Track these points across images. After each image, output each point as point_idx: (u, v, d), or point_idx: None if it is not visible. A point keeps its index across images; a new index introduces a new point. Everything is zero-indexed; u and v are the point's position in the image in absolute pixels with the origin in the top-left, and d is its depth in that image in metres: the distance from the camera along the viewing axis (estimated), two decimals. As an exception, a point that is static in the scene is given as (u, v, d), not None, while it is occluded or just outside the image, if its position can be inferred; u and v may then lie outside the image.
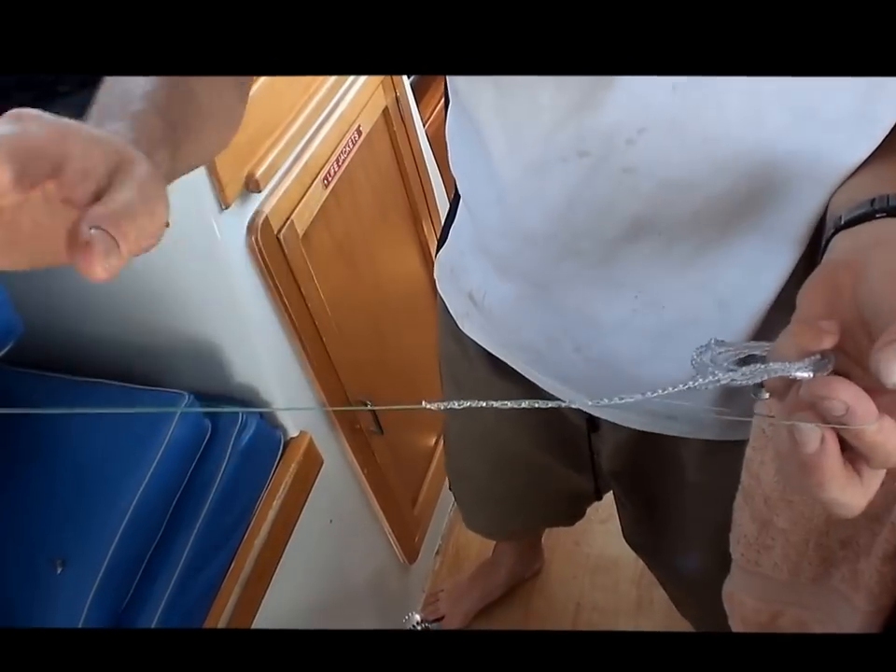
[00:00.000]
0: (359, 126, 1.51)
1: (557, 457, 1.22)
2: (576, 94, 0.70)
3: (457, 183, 0.95)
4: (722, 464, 0.89)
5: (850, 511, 0.46)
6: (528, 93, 0.73)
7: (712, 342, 0.50)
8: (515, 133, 0.77)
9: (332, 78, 1.43)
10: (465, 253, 1.02)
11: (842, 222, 0.57)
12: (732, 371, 0.48)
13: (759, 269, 0.79)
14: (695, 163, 0.70)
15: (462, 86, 0.81)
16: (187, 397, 1.25)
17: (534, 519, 1.46)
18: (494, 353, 1.05)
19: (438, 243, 1.12)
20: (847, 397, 0.43)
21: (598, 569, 2.19)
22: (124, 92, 0.60)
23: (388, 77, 1.60)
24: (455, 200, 1.04)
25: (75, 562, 1.08)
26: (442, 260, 1.10)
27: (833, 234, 0.58)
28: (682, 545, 1.17)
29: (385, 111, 1.62)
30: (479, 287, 0.99)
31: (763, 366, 0.47)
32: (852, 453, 0.45)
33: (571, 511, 1.46)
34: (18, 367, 1.32)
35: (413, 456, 1.98)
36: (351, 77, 1.49)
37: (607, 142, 0.71)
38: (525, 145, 0.77)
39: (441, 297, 1.11)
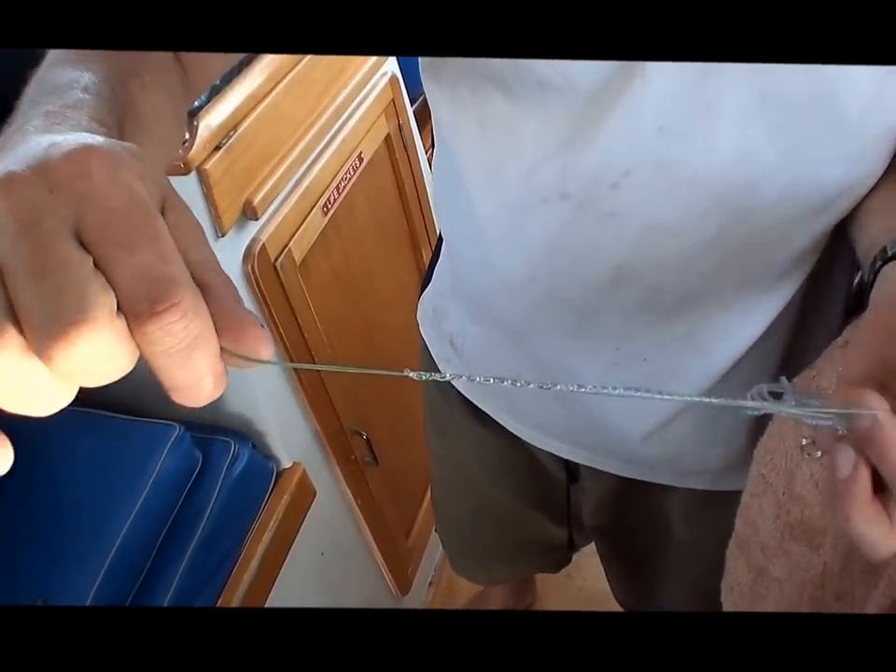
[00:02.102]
0: (361, 153, 1.49)
1: (537, 508, 1.20)
2: (561, 132, 0.68)
3: (439, 221, 0.93)
4: (711, 520, 0.87)
5: (876, 550, 0.47)
6: (511, 129, 0.71)
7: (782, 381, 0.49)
8: (495, 171, 0.75)
9: (335, 105, 1.41)
10: (445, 295, 1.00)
11: (889, 253, 0.56)
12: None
13: (743, 315, 0.77)
14: (681, 207, 0.68)
15: (445, 118, 0.79)
16: (178, 428, 1.23)
17: (518, 566, 1.45)
18: (474, 401, 1.03)
19: (422, 284, 1.10)
20: (876, 405, 0.44)
21: (591, 602, 2.17)
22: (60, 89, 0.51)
23: (391, 104, 1.58)
24: (439, 239, 1.02)
25: (57, 600, 1.06)
26: (425, 302, 1.08)
27: (882, 266, 0.56)
28: (669, 603, 1.15)
29: (388, 138, 1.61)
30: (458, 333, 0.98)
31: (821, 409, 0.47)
32: (886, 495, 0.46)
33: (555, 559, 1.45)
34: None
35: (407, 487, 1.96)
36: (354, 104, 1.48)
37: (590, 185, 0.69)
38: (505, 183, 0.75)
39: (423, 339, 1.08)
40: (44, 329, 0.32)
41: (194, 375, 0.36)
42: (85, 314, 0.32)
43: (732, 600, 0.86)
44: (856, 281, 0.74)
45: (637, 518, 1.07)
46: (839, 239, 0.73)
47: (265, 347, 0.38)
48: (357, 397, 1.59)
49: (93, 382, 0.34)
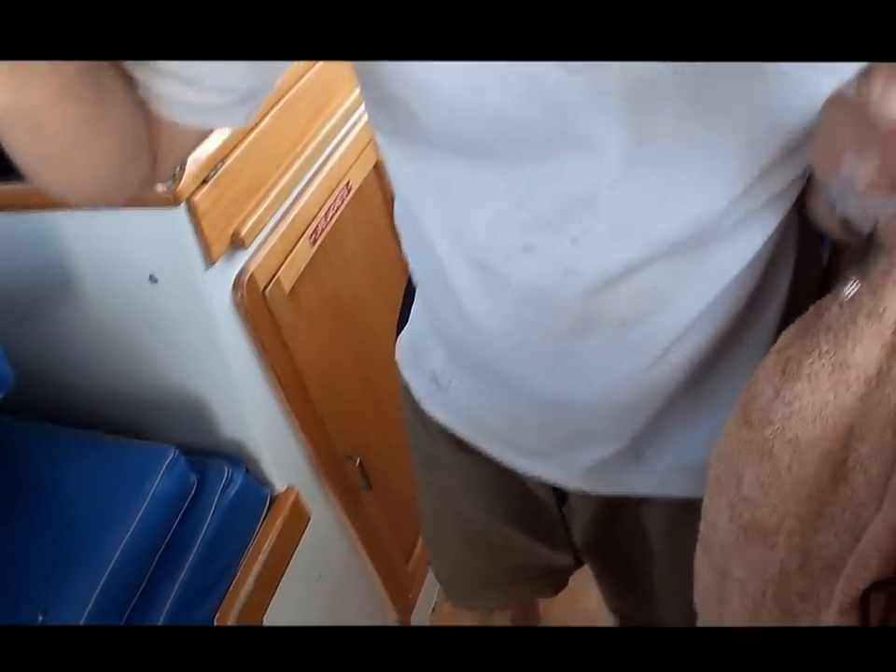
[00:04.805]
0: (349, 182, 1.52)
1: (528, 533, 1.19)
2: (520, 193, 0.71)
3: (411, 269, 0.94)
4: (691, 532, 0.89)
5: None
6: (470, 191, 0.74)
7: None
8: (457, 229, 0.78)
9: (321, 135, 1.44)
10: (424, 335, 1.02)
11: None
12: None
13: (706, 324, 0.80)
14: (638, 259, 0.71)
15: (403, 180, 0.82)
16: (173, 451, 1.26)
17: (513, 592, 1.44)
18: (457, 433, 1.03)
19: (398, 325, 1.11)
20: None
21: (596, 624, 2.16)
22: None
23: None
24: (409, 281, 1.04)
25: (56, 612, 1.08)
26: (404, 343, 1.09)
27: None
28: (665, 618, 1.15)
29: (377, 166, 1.63)
30: (442, 370, 0.99)
31: None
32: None
33: (551, 583, 1.44)
34: (8, 415, 1.33)
35: (404, 512, 1.97)
36: (340, 134, 1.51)
37: (550, 240, 0.72)
38: (468, 241, 0.77)
39: (403, 377, 1.09)
40: None
41: None
42: None
43: (702, 606, 0.88)
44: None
45: (622, 533, 1.08)
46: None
47: None
48: (350, 422, 1.62)
49: None
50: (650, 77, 0.61)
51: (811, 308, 0.70)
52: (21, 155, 0.64)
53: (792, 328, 0.69)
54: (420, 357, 1.03)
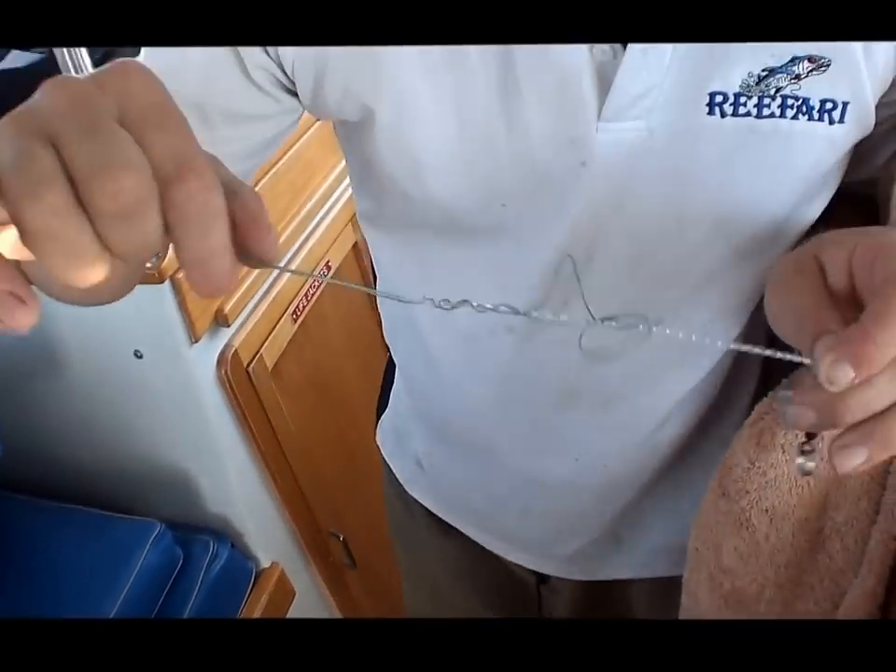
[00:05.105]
0: (329, 262, 1.54)
1: (508, 614, 1.17)
2: (501, 270, 0.72)
3: (391, 349, 0.95)
4: (672, 607, 0.90)
5: None
6: (452, 269, 0.75)
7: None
8: (434, 315, 0.77)
9: (302, 214, 1.47)
10: (406, 418, 1.02)
11: None
12: None
13: (689, 405, 0.81)
14: (622, 339, 0.73)
15: (386, 259, 0.84)
16: (158, 526, 1.26)
17: None
18: (439, 514, 1.03)
19: (377, 407, 1.12)
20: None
21: None
22: None
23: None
24: (389, 363, 1.04)
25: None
26: (385, 425, 1.09)
27: None
28: None
29: (356, 246, 1.66)
30: (424, 451, 0.99)
31: None
32: None
33: None
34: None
35: (388, 591, 1.96)
36: (320, 214, 1.54)
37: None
38: (452, 318, 0.78)
39: (385, 462, 1.09)
40: (92, 173, 0.36)
41: (210, 248, 0.39)
42: (128, 161, 0.36)
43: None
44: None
45: (604, 609, 1.07)
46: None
47: (272, 249, 0.42)
48: (333, 499, 1.62)
49: (128, 246, 0.38)
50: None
51: (783, 381, 0.71)
52: None
53: (766, 399, 0.70)
54: (403, 440, 1.03)
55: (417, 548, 1.14)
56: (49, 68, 1.39)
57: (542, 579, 1.08)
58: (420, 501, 1.04)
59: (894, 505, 0.64)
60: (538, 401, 0.80)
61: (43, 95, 0.38)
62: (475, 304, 0.49)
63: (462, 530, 1.02)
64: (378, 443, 1.10)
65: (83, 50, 1.33)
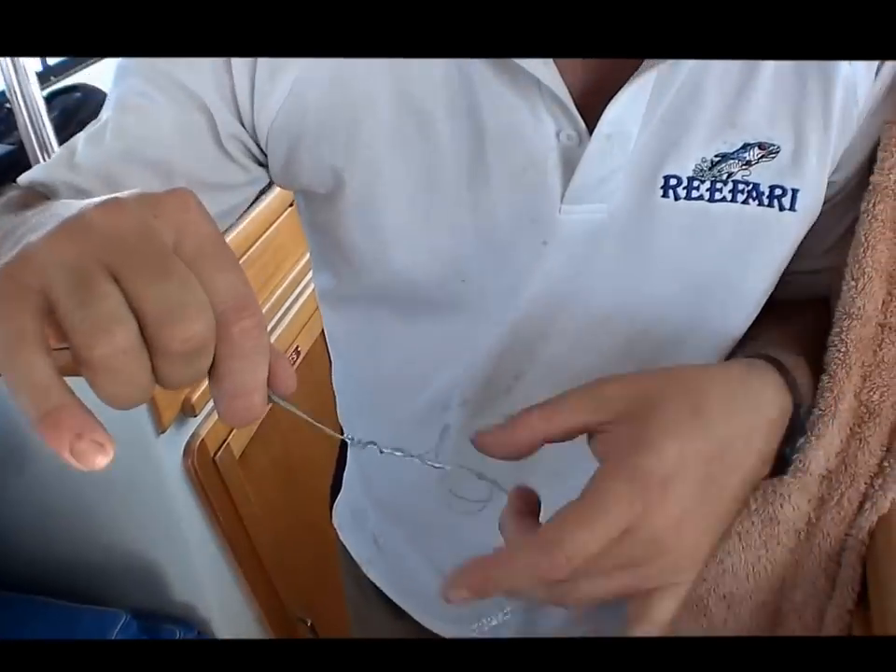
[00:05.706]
0: (298, 347, 1.56)
1: None
2: (454, 346, 0.74)
3: (344, 431, 0.96)
4: None
5: None
6: (404, 346, 0.77)
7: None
8: (394, 381, 0.80)
9: (272, 300, 1.49)
10: (360, 499, 1.02)
11: None
12: None
13: None
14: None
15: (340, 336, 0.85)
16: (124, 615, 1.25)
17: None
18: (394, 599, 1.02)
19: (331, 490, 1.12)
20: None
21: None
22: None
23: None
24: (342, 446, 1.06)
25: None
26: (341, 507, 1.09)
27: None
28: None
29: (325, 331, 1.66)
30: (379, 531, 0.99)
31: None
32: None
33: None
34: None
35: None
36: (289, 300, 1.56)
37: (485, 390, 0.74)
38: (405, 394, 0.80)
39: (341, 544, 1.08)
40: (163, 317, 0.37)
41: (257, 382, 0.41)
42: (199, 306, 0.38)
43: None
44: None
45: None
46: None
47: (293, 382, 0.45)
48: (300, 584, 1.61)
49: (182, 381, 0.39)
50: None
51: None
52: None
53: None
54: (360, 520, 1.03)
55: (369, 628, 1.13)
56: (20, 158, 1.41)
57: None
58: (376, 583, 1.04)
59: (850, 580, 0.65)
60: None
61: (96, 214, 0.39)
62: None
63: (411, 614, 1.01)
64: (335, 525, 1.10)
65: (54, 143, 1.36)
